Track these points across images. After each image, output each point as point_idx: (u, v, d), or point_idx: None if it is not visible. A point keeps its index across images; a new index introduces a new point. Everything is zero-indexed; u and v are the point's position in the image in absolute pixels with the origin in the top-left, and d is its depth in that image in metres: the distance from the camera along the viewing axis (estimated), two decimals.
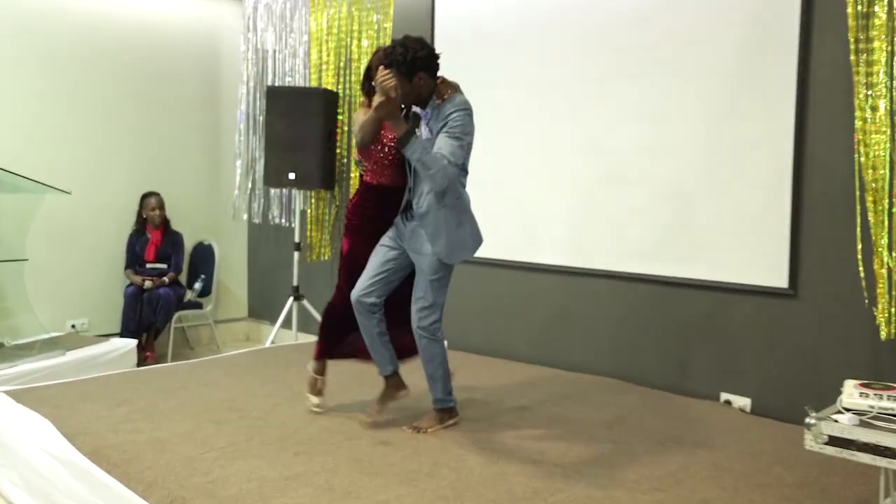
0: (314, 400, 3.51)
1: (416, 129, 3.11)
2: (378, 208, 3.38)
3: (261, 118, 6.14)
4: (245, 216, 6.37)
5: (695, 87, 3.84)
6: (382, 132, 3.26)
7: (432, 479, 2.73)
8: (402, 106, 3.16)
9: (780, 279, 3.61)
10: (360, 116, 3.29)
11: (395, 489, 2.63)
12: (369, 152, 3.32)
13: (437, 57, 3.14)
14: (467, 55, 4.79)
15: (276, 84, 6.06)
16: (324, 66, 5.68)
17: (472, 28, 4.79)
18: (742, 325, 3.76)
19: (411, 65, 3.04)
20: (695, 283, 3.89)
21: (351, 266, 3.44)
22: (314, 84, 5.75)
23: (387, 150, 3.29)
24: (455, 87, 3.19)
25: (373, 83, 3.13)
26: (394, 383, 3.44)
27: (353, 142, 3.38)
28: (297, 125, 5.32)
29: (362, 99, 3.44)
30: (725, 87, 3.74)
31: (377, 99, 3.01)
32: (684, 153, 3.90)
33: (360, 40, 5.42)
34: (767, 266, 3.64)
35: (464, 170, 3.17)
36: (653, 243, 4.04)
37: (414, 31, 4.99)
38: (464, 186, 3.25)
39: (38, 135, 5.32)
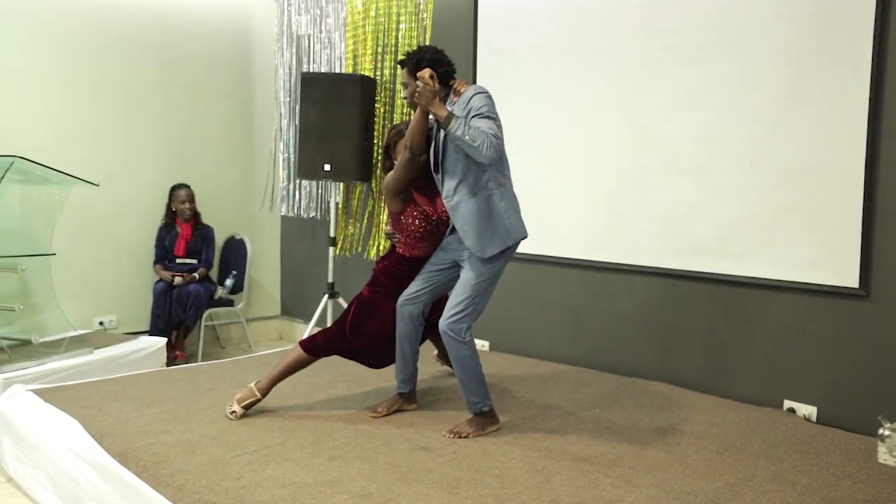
0: (238, 411, 3.48)
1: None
2: (408, 273, 3.60)
3: (295, 106, 6.20)
4: (281, 209, 6.43)
5: (755, 71, 3.77)
6: (412, 206, 3.48)
7: (474, 486, 2.73)
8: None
9: (850, 278, 3.53)
10: (391, 177, 3.47)
11: (436, 497, 2.64)
12: (401, 225, 3.52)
13: (447, 64, 3.38)
14: (510, 39, 4.78)
15: (311, 70, 6.11)
16: (360, 52, 5.71)
17: (513, 10, 4.77)
18: (808, 327, 3.69)
19: (417, 63, 3.32)
20: (756, 282, 3.83)
21: (364, 311, 3.62)
22: (350, 70, 5.78)
23: (418, 222, 3.48)
24: (468, 84, 3.44)
25: (394, 156, 3.58)
26: (406, 398, 3.67)
27: (385, 179, 3.53)
28: (332, 114, 5.36)
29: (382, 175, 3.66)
30: (790, 70, 3.67)
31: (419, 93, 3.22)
32: (744, 142, 3.84)
33: (398, 24, 5.44)
34: (836, 264, 3.57)
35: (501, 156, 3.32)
36: (709, 239, 3.98)
37: (456, 15, 5.07)
38: (505, 177, 3.37)
39: (65, 125, 5.43)
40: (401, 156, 3.40)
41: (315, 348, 3.58)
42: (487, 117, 3.22)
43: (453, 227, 3.43)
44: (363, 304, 3.61)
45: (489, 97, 3.29)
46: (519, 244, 3.40)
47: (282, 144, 6.38)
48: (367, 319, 3.59)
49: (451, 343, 3.31)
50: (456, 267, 3.46)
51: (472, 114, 3.22)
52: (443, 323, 3.30)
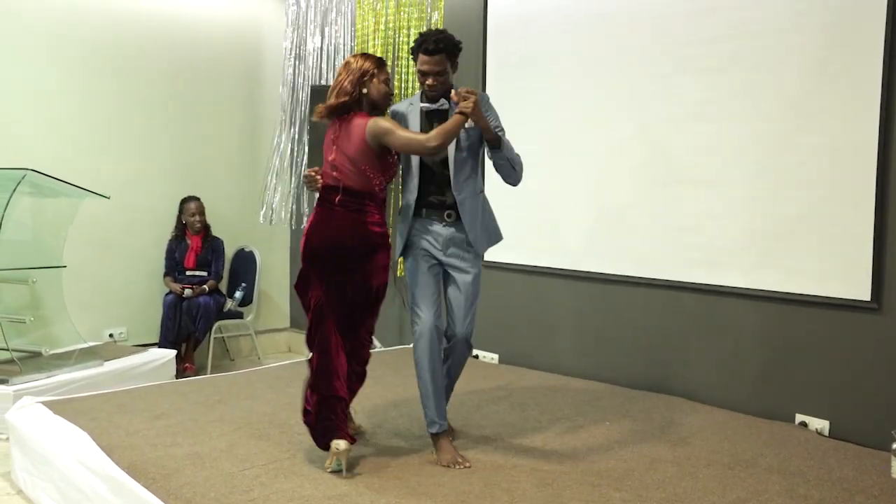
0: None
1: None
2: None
3: (305, 119, 6.21)
4: (274, 221, 6.42)
5: (767, 83, 3.77)
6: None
7: (483, 500, 2.72)
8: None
9: (862, 291, 3.51)
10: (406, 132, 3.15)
11: None
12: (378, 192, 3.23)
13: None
14: (521, 49, 4.80)
15: (321, 84, 6.12)
16: None
17: (525, 21, 4.78)
18: (819, 340, 3.67)
19: (454, 47, 3.19)
20: (767, 295, 3.81)
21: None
22: None
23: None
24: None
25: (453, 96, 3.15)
26: (448, 433, 3.30)
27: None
28: None
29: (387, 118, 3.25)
30: (801, 82, 3.66)
31: (462, 107, 3.04)
32: (755, 154, 3.83)
33: (408, 37, 5.45)
34: (848, 277, 3.55)
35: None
36: (720, 251, 3.97)
37: (466, 27, 5.08)
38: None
39: (77, 138, 5.47)
40: (446, 139, 3.08)
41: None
42: (504, 132, 3.21)
43: (437, 219, 3.25)
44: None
45: None
46: None
47: (292, 157, 6.39)
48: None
49: (466, 351, 3.32)
50: (440, 268, 3.30)
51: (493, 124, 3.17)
52: (464, 332, 3.24)
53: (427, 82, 3.19)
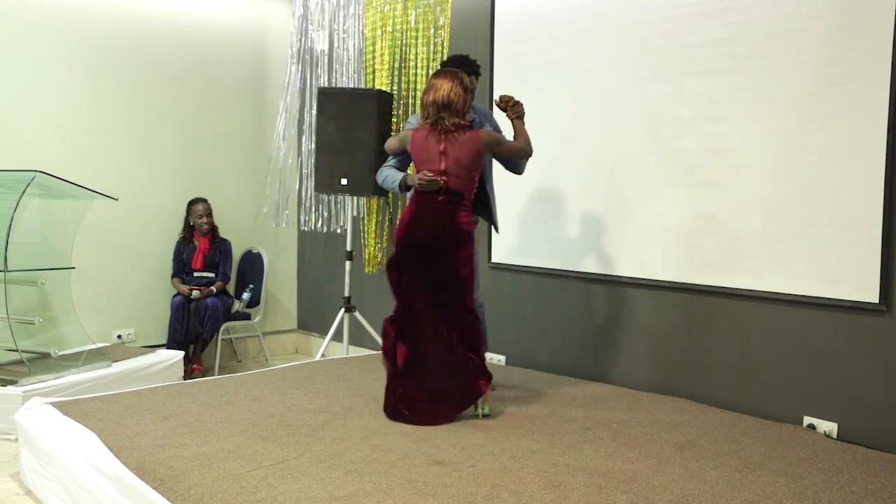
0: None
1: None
2: None
3: (309, 121, 6.23)
4: (275, 223, 6.44)
5: (774, 84, 3.76)
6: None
7: (490, 502, 2.72)
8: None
9: (870, 293, 3.50)
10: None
11: None
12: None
13: None
14: (527, 49, 4.80)
15: (328, 85, 6.14)
16: (377, 67, 5.74)
17: (531, 24, 4.78)
18: (828, 343, 3.66)
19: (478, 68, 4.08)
20: (774, 297, 3.80)
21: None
22: (367, 85, 5.80)
23: None
24: None
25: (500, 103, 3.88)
26: None
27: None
28: (349, 128, 5.37)
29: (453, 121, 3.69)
30: (809, 83, 3.66)
31: (520, 112, 3.84)
32: (762, 156, 3.82)
33: (416, 39, 5.46)
34: (856, 279, 3.54)
35: None
36: (727, 254, 3.96)
37: (473, 29, 5.09)
38: None
39: (85, 140, 5.49)
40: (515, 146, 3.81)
41: None
42: None
43: None
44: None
45: None
46: None
47: (300, 159, 6.41)
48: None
49: None
50: None
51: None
52: None
53: None
